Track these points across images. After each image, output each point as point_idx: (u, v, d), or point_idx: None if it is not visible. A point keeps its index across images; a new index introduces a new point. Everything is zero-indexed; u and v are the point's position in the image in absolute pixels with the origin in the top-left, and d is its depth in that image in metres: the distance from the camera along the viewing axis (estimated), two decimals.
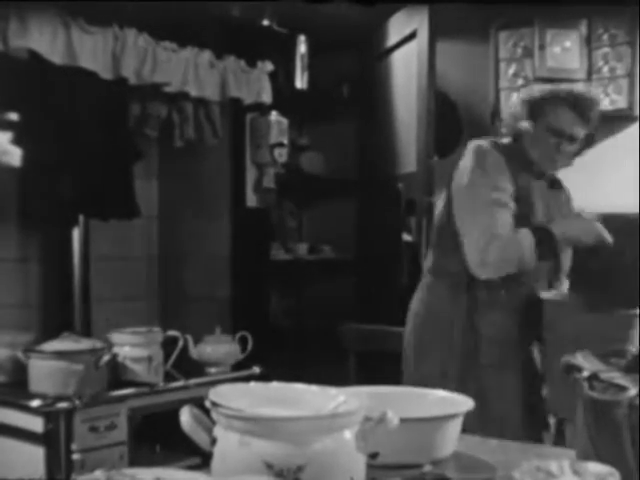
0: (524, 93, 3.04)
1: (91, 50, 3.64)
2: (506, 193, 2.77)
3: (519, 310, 2.86)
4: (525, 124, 2.88)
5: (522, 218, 2.80)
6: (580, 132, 2.86)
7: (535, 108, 2.88)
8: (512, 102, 3.16)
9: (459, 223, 2.83)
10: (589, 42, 4.36)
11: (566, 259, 2.95)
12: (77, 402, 3.10)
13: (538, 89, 2.98)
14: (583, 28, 4.37)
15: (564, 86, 2.97)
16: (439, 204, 3.04)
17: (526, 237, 2.73)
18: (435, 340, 2.94)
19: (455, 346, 2.85)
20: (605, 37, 4.33)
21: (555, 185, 3.04)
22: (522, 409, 2.86)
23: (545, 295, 2.83)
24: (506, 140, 2.95)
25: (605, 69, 4.33)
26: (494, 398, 2.79)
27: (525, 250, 2.72)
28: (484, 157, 2.81)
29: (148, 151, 4.39)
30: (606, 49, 4.33)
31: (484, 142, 2.88)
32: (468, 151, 2.87)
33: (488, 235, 2.73)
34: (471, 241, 2.77)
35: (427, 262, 3.06)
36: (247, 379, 3.49)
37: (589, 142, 3.00)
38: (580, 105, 2.83)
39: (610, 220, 4.15)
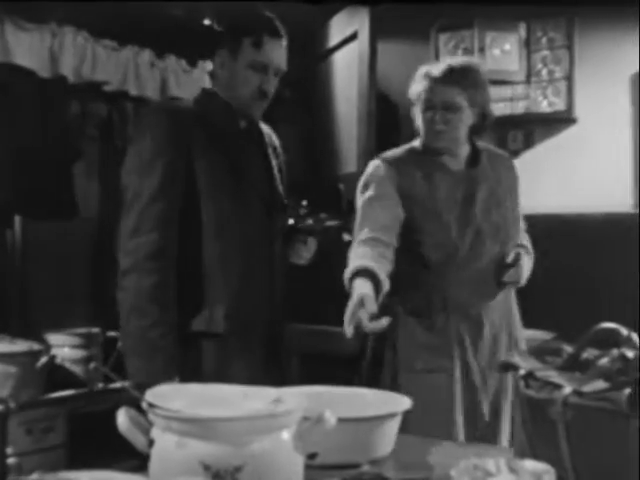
0: None
1: (27, 47, 3.58)
2: None
3: None
4: None
5: None
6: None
7: None
8: None
9: None
10: (528, 45, 4.41)
11: None
12: (12, 405, 3.05)
13: None
14: (522, 31, 4.41)
15: None
16: None
17: None
18: None
19: None
20: (544, 40, 4.38)
21: None
22: None
23: None
24: None
25: (544, 72, 4.38)
26: None
27: None
28: None
29: (89, 150, 4.34)
30: (545, 52, 4.38)
31: None
32: None
33: None
34: None
35: None
36: None
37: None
38: None
39: (547, 221, 4.21)
